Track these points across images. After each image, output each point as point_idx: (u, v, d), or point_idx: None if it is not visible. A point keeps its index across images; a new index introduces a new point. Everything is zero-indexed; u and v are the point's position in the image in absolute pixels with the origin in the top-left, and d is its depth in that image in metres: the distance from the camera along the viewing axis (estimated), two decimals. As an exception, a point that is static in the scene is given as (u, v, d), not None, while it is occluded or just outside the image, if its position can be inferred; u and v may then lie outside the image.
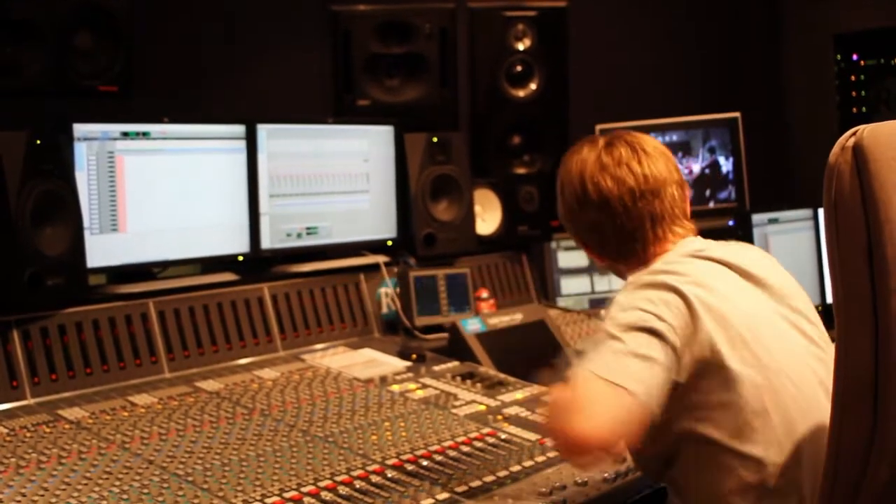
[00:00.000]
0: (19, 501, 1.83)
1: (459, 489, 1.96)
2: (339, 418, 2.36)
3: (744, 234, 3.40)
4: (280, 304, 2.98)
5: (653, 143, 2.01)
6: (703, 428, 1.77)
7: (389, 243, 3.40)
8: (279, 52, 3.69)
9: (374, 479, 2.00)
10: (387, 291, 3.25)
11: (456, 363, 2.86)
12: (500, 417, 2.42)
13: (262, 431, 2.25)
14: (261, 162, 3.03)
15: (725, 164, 4.05)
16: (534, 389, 2.65)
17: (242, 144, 2.99)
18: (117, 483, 1.93)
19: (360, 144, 3.33)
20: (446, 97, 3.62)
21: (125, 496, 1.87)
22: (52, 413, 2.31)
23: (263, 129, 3.03)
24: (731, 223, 3.52)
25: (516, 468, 2.10)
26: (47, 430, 2.21)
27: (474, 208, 3.59)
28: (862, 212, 1.41)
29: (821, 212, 3.93)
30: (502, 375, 2.75)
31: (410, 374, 2.74)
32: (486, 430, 2.32)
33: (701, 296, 1.76)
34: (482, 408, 2.49)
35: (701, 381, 1.75)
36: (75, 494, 1.86)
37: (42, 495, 1.85)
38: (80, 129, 2.64)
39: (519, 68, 3.70)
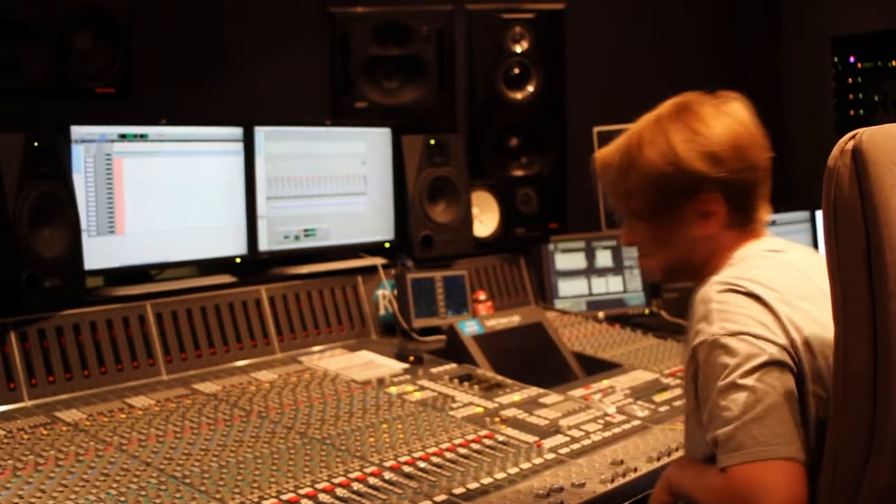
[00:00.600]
0: (16, 503, 1.83)
1: (457, 492, 1.96)
2: (337, 420, 2.36)
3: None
4: (277, 306, 2.97)
5: None
6: None
7: (387, 245, 3.40)
8: (277, 54, 3.70)
9: (372, 481, 2.00)
10: (384, 293, 3.25)
11: (453, 365, 2.85)
12: (497, 420, 2.42)
13: (260, 433, 2.25)
14: (258, 164, 3.03)
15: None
16: (531, 392, 2.65)
17: (240, 146, 2.99)
18: (115, 485, 1.92)
19: (358, 146, 3.33)
20: (444, 99, 3.62)
21: (122, 498, 1.86)
22: (49, 415, 2.31)
23: (261, 132, 3.03)
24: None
25: (514, 470, 2.09)
26: (44, 432, 2.20)
27: (472, 210, 3.59)
28: (861, 215, 1.41)
29: (818, 214, 3.96)
30: (500, 377, 2.75)
31: (408, 377, 2.74)
32: (483, 433, 2.32)
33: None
34: (480, 410, 2.49)
35: None
36: (72, 496, 1.86)
37: (39, 497, 1.85)
38: (77, 130, 2.63)
39: (516, 70, 3.71)
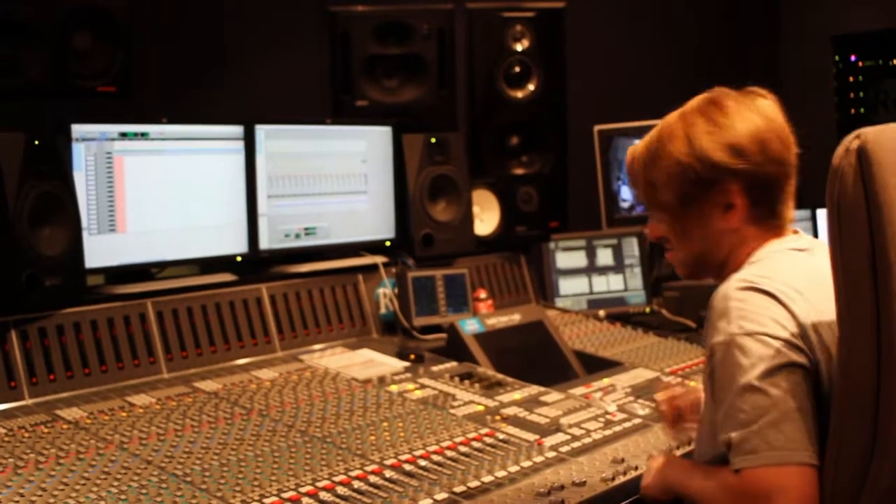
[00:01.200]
0: (17, 502, 1.82)
1: (458, 490, 1.96)
2: (338, 419, 2.36)
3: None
4: (278, 305, 2.97)
5: None
6: None
7: (388, 244, 3.40)
8: (277, 52, 3.70)
9: (373, 479, 2.00)
10: (385, 292, 3.25)
11: (454, 363, 2.85)
12: (498, 418, 2.42)
13: (261, 432, 2.25)
14: (259, 162, 3.03)
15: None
16: (532, 390, 2.65)
17: (241, 145, 2.99)
18: (115, 483, 1.92)
19: (359, 145, 3.33)
20: (444, 98, 3.62)
21: (123, 496, 1.86)
22: (50, 413, 2.31)
23: (262, 130, 3.03)
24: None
25: (514, 469, 2.09)
26: (45, 430, 2.20)
27: (472, 209, 3.59)
28: (865, 214, 1.41)
29: (819, 212, 3.96)
30: (500, 376, 2.75)
31: (409, 375, 2.74)
32: (484, 431, 2.32)
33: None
34: (480, 408, 2.48)
35: None
36: (73, 494, 1.86)
37: (40, 495, 1.85)
38: (78, 129, 2.63)
39: (517, 69, 3.71)
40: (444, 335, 3.08)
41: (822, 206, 1.48)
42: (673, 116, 1.84)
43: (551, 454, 2.20)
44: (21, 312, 2.43)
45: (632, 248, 3.84)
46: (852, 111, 4.43)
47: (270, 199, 3.07)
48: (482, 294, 3.43)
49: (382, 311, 3.24)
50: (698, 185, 1.77)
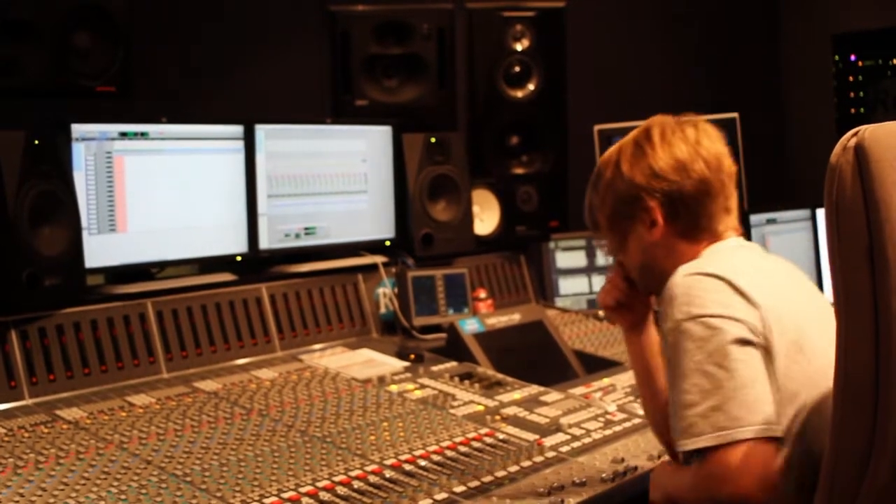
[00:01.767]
0: (17, 501, 1.83)
1: (457, 490, 1.96)
2: (338, 419, 2.36)
3: (742, 234, 3.40)
4: (278, 305, 2.97)
5: None
6: None
7: (387, 243, 3.40)
8: (277, 52, 3.69)
9: (372, 479, 2.00)
10: (385, 291, 3.25)
11: (454, 363, 2.85)
12: (498, 418, 2.42)
13: (260, 432, 2.25)
14: (259, 162, 3.03)
15: (723, 165, 4.04)
16: (532, 390, 2.65)
17: (241, 145, 2.99)
18: (115, 483, 1.92)
19: (359, 145, 3.33)
20: (444, 97, 3.62)
21: (123, 496, 1.86)
22: (50, 413, 2.31)
23: (262, 130, 3.03)
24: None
25: (514, 468, 2.09)
26: (45, 430, 2.20)
27: (472, 208, 3.59)
28: (863, 212, 1.41)
29: (818, 212, 3.96)
30: (500, 376, 2.75)
31: (408, 375, 2.74)
32: (484, 431, 2.32)
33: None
34: (480, 408, 2.48)
35: None
36: (73, 494, 1.86)
37: (40, 495, 1.85)
38: (78, 129, 2.63)
39: (517, 69, 3.71)
40: (443, 335, 3.08)
41: (821, 205, 1.48)
42: (613, 147, 2.02)
43: (551, 454, 2.20)
44: (21, 312, 2.43)
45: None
46: (852, 110, 4.42)
47: (270, 199, 3.07)
48: (482, 294, 3.43)
49: (382, 310, 3.24)
50: (624, 204, 1.93)
